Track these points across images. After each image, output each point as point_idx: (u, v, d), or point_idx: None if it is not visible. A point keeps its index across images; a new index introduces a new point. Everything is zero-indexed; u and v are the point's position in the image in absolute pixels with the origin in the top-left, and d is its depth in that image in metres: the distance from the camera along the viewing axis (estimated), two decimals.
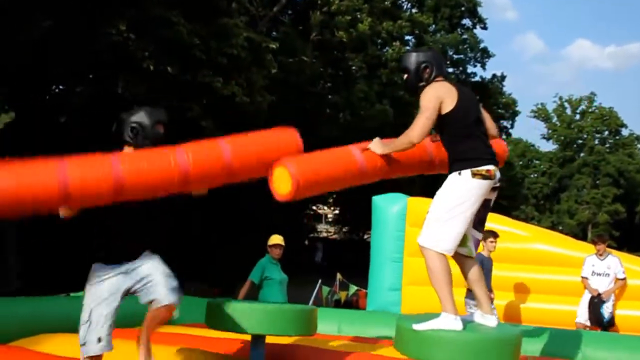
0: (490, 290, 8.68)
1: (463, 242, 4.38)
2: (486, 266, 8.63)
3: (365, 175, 4.58)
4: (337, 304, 14.02)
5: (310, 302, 12.60)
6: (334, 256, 35.02)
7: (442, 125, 4.46)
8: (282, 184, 4.24)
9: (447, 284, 4.21)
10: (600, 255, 9.06)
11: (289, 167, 4.23)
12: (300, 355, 5.02)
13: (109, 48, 11.63)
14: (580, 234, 54.90)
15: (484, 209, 4.51)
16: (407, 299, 10.30)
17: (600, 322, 8.65)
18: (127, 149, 4.31)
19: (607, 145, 66.68)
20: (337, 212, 43.07)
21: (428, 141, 4.81)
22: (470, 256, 4.48)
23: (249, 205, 22.33)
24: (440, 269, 4.22)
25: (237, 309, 4.58)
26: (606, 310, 8.80)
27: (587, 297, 8.97)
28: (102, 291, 4.07)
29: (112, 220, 4.11)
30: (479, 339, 4.04)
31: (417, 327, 4.10)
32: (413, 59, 4.57)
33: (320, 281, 14.22)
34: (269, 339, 4.83)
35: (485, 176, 4.29)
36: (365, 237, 40.14)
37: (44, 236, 15.83)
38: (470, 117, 4.48)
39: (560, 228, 55.81)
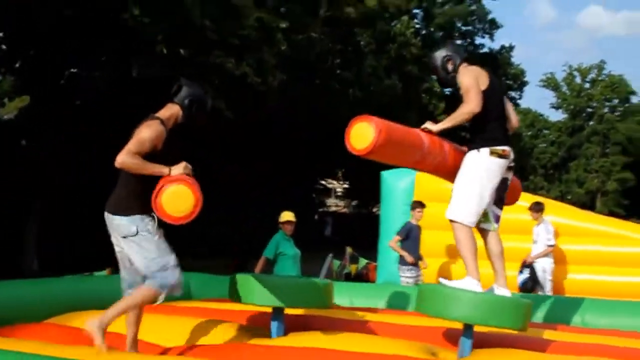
0: (420, 257, 9.29)
1: (486, 217, 4.91)
2: (414, 233, 9.15)
3: (427, 155, 4.88)
4: (348, 277, 14.21)
5: (322, 275, 12.84)
6: (344, 230, 35.29)
7: None
8: (360, 139, 4.49)
9: (473, 252, 4.77)
10: (537, 222, 9.42)
11: (372, 122, 4.49)
12: (316, 324, 5.38)
13: (124, 32, 11.89)
14: (589, 203, 55.00)
15: (502, 187, 4.99)
16: None
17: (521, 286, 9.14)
18: (171, 108, 4.65)
19: (617, 113, 66.32)
20: (346, 186, 43.26)
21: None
22: (494, 230, 4.98)
23: (261, 183, 22.67)
24: (466, 239, 4.77)
25: (259, 283, 4.91)
26: (521, 276, 9.27)
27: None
28: (165, 242, 4.44)
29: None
30: (495, 298, 4.61)
31: (443, 282, 4.81)
32: (435, 57, 5.12)
33: (331, 255, 14.51)
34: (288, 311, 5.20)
35: (502, 155, 4.81)
36: (374, 210, 40.36)
37: (60, 219, 16.23)
38: (496, 99, 4.98)
39: (569, 197, 55.91)
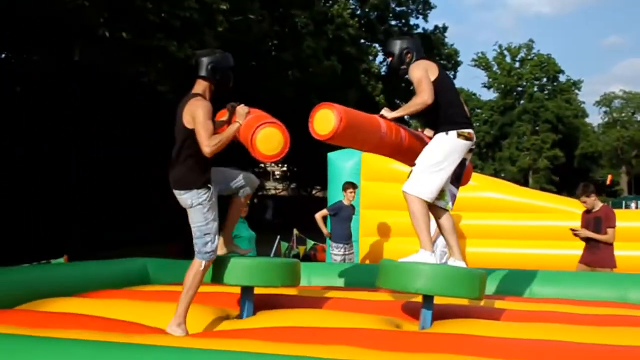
0: (350, 235, 9.77)
1: (442, 195, 5.18)
2: (344, 213, 9.56)
3: (383, 141, 5.18)
4: (296, 259, 14.34)
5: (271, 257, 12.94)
6: (284, 213, 35.35)
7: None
8: (323, 125, 4.80)
9: (427, 225, 5.01)
10: None
11: (334, 109, 4.79)
12: (282, 303, 5.53)
13: (64, 15, 11.66)
14: (522, 180, 56.46)
15: (460, 167, 5.26)
16: (364, 250, 10.90)
17: None
18: (202, 83, 5.00)
19: (546, 92, 68.03)
20: (284, 169, 43.32)
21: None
22: (447, 209, 5.17)
23: None
24: (421, 213, 5.00)
25: (230, 264, 5.06)
26: None
27: None
28: (214, 213, 4.95)
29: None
30: (452, 270, 4.84)
31: (402, 259, 4.98)
32: (398, 45, 5.35)
33: (279, 237, 14.63)
34: (257, 290, 5.33)
35: (468, 138, 5.12)
36: (314, 192, 40.60)
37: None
38: (452, 87, 5.31)
39: (503, 175, 57.30)
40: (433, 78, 5.13)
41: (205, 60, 4.98)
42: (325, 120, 4.78)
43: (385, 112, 5.29)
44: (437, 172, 5.02)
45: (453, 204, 5.35)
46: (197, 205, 4.86)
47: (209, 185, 4.89)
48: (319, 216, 9.89)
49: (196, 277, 4.88)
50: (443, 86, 5.17)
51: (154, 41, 13.46)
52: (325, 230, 9.87)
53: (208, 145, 4.74)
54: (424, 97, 5.03)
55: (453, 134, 5.06)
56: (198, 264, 4.90)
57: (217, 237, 4.98)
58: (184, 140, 4.87)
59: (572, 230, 8.46)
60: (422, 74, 5.10)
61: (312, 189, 40.57)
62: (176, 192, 4.94)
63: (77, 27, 12.09)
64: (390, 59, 5.45)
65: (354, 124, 4.89)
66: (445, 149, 5.05)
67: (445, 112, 5.14)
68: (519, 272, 7.16)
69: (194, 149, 4.81)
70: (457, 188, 5.38)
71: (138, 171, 19.82)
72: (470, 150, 5.28)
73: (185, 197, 4.88)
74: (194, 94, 4.96)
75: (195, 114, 4.78)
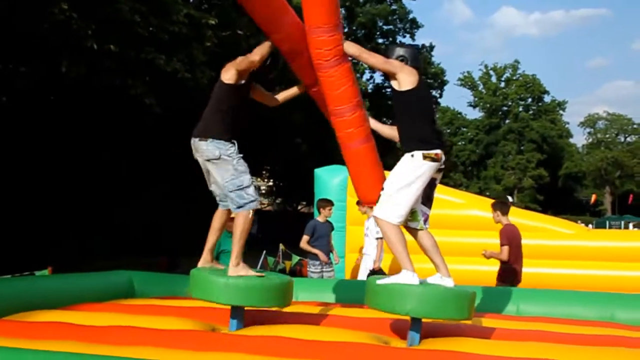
0: (331, 249, 9.80)
1: (414, 217, 5.11)
2: (319, 231, 9.47)
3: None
4: (282, 273, 14.31)
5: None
6: (270, 228, 35.20)
7: (401, 104, 5.12)
8: None
9: (403, 247, 4.92)
10: (367, 216, 9.93)
11: None
12: (271, 319, 5.47)
13: (52, 27, 11.61)
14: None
15: (431, 187, 5.24)
16: (350, 265, 10.89)
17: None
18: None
19: (531, 111, 68.59)
20: (270, 184, 43.22)
21: None
22: (422, 229, 5.11)
23: (186, 177, 22.42)
24: (395, 236, 4.93)
25: (221, 282, 4.95)
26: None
27: None
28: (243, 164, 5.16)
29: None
30: (441, 291, 4.78)
31: (380, 282, 4.89)
32: (395, 52, 5.29)
33: (265, 252, 14.63)
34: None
35: (434, 159, 4.99)
36: (299, 208, 40.51)
37: None
38: (426, 104, 5.21)
39: (488, 193, 57.51)
40: (409, 87, 5.06)
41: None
42: None
43: (348, 45, 5.39)
44: (403, 195, 4.93)
45: (427, 223, 5.28)
46: (225, 156, 5.03)
47: (234, 141, 5.11)
48: (304, 243, 9.64)
49: (244, 228, 5.09)
50: (418, 97, 5.09)
51: (142, 54, 13.43)
52: (318, 252, 9.55)
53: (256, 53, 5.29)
54: (380, 58, 5.23)
55: (418, 155, 4.94)
56: (243, 216, 5.08)
57: (253, 187, 5.13)
58: (217, 94, 5.21)
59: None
60: (398, 65, 5.14)
61: (297, 204, 40.46)
62: (201, 144, 5.07)
63: (65, 39, 12.03)
64: None
65: None
66: (411, 172, 4.94)
67: (413, 127, 5.06)
68: (506, 290, 7.15)
69: (225, 104, 5.12)
70: (429, 208, 5.32)
71: (123, 182, 19.73)
72: (440, 170, 5.18)
73: (211, 148, 5.04)
74: None
75: (237, 59, 5.23)
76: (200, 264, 5.36)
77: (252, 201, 5.09)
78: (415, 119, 5.06)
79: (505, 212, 8.59)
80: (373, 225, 9.62)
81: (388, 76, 5.25)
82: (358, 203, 9.71)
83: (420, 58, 5.43)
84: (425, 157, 4.93)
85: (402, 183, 4.93)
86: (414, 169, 4.93)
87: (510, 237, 8.36)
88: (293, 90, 5.86)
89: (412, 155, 4.95)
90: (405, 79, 5.07)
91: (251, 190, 5.10)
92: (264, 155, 27.67)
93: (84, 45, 11.94)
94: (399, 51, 5.28)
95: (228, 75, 5.22)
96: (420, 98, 5.12)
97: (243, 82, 5.27)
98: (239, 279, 4.98)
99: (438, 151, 5.00)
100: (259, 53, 5.32)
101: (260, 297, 4.96)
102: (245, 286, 4.92)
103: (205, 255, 5.40)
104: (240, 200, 5.06)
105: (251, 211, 5.08)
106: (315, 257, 9.52)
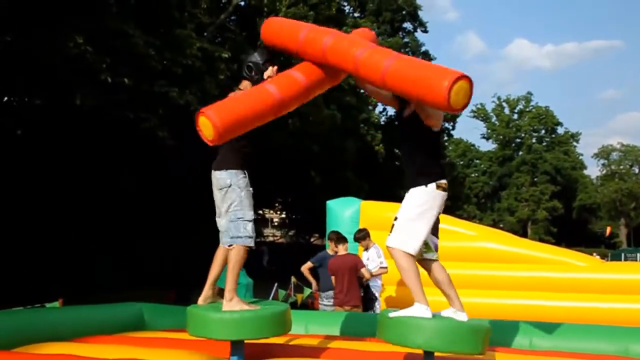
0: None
1: (428, 248, 5.04)
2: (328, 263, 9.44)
3: (283, 105, 5.19)
4: (294, 306, 14.20)
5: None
6: (282, 260, 35.09)
7: (425, 140, 5.13)
8: (207, 131, 4.75)
9: (417, 278, 4.88)
10: (365, 249, 9.91)
11: (209, 115, 4.72)
12: (277, 352, 5.44)
13: (67, 61, 11.79)
14: (520, 231, 56.44)
15: (437, 217, 5.15)
16: None
17: None
18: (245, 84, 5.46)
19: (544, 143, 68.46)
20: (283, 216, 43.20)
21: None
22: (437, 259, 5.09)
23: (196, 209, 22.50)
24: (409, 267, 4.89)
25: (216, 317, 4.93)
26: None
27: None
28: (249, 198, 5.28)
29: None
30: (454, 326, 4.74)
31: (392, 314, 4.84)
32: None
33: (276, 284, 14.53)
34: None
35: (445, 188, 5.06)
36: (312, 240, 40.41)
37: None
38: (439, 136, 5.27)
39: (501, 225, 57.24)
40: (438, 129, 5.15)
41: (245, 60, 5.48)
42: (206, 125, 4.73)
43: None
44: (420, 225, 4.95)
45: (437, 254, 5.27)
46: (235, 185, 5.16)
47: (245, 170, 5.28)
48: (304, 268, 9.73)
49: (236, 263, 5.15)
50: (439, 139, 5.23)
51: (156, 87, 13.59)
52: (313, 281, 9.68)
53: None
54: None
55: (432, 186, 5.00)
56: (236, 251, 5.15)
57: (251, 225, 5.22)
58: None
59: None
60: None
61: (310, 236, 40.36)
62: (216, 174, 5.25)
63: (80, 72, 12.21)
64: None
65: (235, 117, 4.83)
66: (427, 203, 4.98)
67: (429, 163, 5.09)
68: (518, 324, 7.08)
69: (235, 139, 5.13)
70: (437, 238, 5.32)
71: (137, 214, 19.78)
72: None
73: (224, 176, 5.19)
74: (236, 89, 5.55)
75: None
76: (200, 301, 5.33)
77: (247, 237, 5.18)
78: (435, 155, 5.15)
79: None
80: (375, 256, 9.62)
81: (418, 111, 5.07)
82: (356, 240, 9.75)
83: None
84: (438, 186, 5.01)
85: (416, 212, 4.97)
86: (428, 199, 4.98)
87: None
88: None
89: (426, 186, 5.00)
90: (439, 119, 5.13)
91: (250, 226, 5.21)
92: (277, 187, 27.72)
93: (98, 78, 12.10)
94: None
95: None
96: (437, 133, 5.20)
97: None
98: (233, 313, 4.94)
99: (445, 181, 5.10)
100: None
101: (256, 328, 4.92)
102: (240, 319, 4.90)
103: (206, 291, 5.37)
104: (236, 232, 5.15)
105: (245, 247, 5.17)
106: (327, 289, 9.48)
